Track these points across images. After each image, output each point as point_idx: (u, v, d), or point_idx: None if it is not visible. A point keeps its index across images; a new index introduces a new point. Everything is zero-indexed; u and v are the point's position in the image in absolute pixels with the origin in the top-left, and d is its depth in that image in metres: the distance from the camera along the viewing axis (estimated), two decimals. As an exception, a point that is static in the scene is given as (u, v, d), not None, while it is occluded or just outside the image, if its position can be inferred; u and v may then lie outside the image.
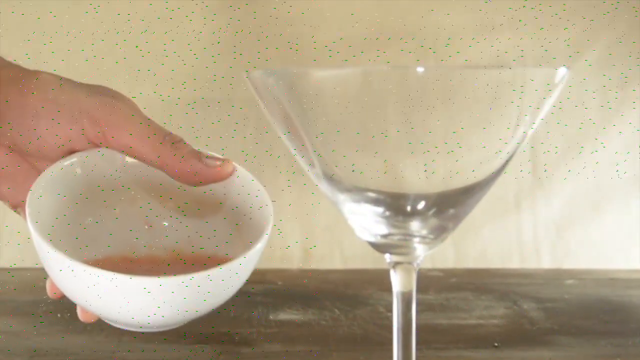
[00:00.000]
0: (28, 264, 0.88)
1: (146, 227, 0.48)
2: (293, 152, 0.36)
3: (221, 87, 0.92)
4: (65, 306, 0.69)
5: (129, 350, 0.59)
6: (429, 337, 0.61)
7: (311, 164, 0.36)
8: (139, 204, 0.48)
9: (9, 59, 0.47)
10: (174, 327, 0.43)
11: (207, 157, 0.43)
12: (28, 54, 0.90)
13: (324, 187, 0.36)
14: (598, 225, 0.93)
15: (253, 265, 0.42)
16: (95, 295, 0.39)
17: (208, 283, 0.40)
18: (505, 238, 0.93)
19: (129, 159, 0.44)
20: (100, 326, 0.63)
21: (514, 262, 0.93)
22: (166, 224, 0.48)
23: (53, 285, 0.45)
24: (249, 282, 0.82)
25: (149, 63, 0.91)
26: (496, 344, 0.61)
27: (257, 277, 0.86)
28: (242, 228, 0.46)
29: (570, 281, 0.84)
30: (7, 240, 0.90)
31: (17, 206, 0.46)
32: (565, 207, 0.94)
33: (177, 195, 0.47)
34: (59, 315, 0.67)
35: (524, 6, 0.93)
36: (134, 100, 0.46)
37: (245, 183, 0.45)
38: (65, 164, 0.44)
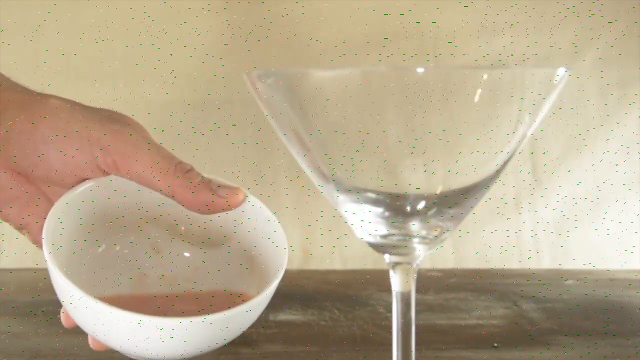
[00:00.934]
0: (27, 265, 0.88)
1: (156, 256, 0.48)
2: (293, 152, 0.36)
3: (221, 87, 0.92)
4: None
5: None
6: (428, 338, 0.61)
7: (311, 165, 0.36)
8: (148, 232, 0.48)
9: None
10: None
11: (218, 186, 0.43)
12: (28, 54, 0.91)
13: (324, 187, 0.36)
14: (598, 225, 0.93)
15: (269, 299, 0.42)
16: (114, 331, 0.40)
17: (227, 322, 0.40)
18: (505, 238, 0.93)
19: (139, 187, 0.44)
20: (100, 326, 0.64)
21: (513, 263, 0.93)
22: (176, 252, 0.48)
23: (69, 317, 0.44)
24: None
25: (149, 63, 0.91)
26: (496, 345, 0.61)
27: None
28: (253, 258, 0.46)
29: (570, 281, 0.84)
30: (7, 242, 0.90)
31: (23, 228, 0.45)
32: (565, 207, 0.94)
33: (187, 224, 0.47)
34: (58, 316, 0.66)
35: (524, 6, 0.93)
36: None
37: (259, 214, 0.45)
38: (77, 193, 0.44)
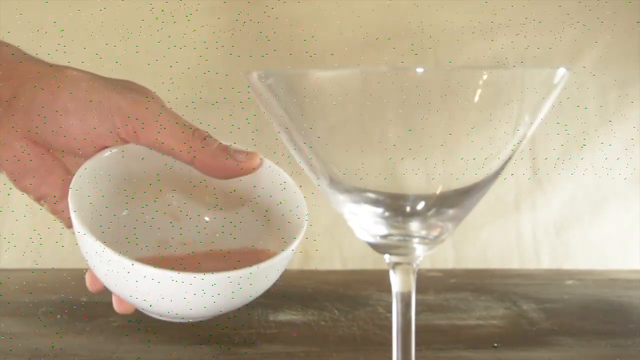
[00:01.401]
0: (27, 265, 0.88)
1: (176, 223, 0.49)
2: (293, 153, 0.36)
3: (221, 88, 0.92)
4: (65, 307, 0.69)
5: (129, 351, 0.59)
6: (428, 338, 0.61)
7: (311, 165, 0.36)
8: (168, 200, 0.49)
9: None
10: (211, 317, 0.44)
11: (235, 151, 0.44)
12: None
13: (324, 187, 0.36)
14: (598, 225, 0.93)
15: (292, 258, 0.43)
16: (144, 291, 0.40)
17: (256, 276, 0.41)
18: (505, 239, 0.93)
19: (158, 155, 0.45)
20: (100, 327, 0.64)
21: (513, 263, 0.93)
22: (196, 218, 0.49)
23: (93, 279, 0.46)
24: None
25: (149, 64, 0.91)
26: (496, 345, 0.61)
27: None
28: (272, 220, 0.47)
29: (570, 281, 0.84)
30: (7, 242, 0.90)
31: (41, 199, 0.46)
32: (564, 207, 0.94)
33: (206, 190, 0.48)
34: (58, 316, 0.67)
35: (524, 6, 0.93)
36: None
37: (274, 175, 0.46)
38: (99, 159, 0.45)
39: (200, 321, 0.44)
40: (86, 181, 0.44)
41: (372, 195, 0.35)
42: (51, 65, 0.46)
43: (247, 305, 0.43)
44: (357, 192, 0.35)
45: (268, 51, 0.92)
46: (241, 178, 0.44)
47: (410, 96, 0.33)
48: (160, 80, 0.93)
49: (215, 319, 0.68)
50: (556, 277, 0.87)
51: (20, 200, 0.91)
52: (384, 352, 0.39)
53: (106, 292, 0.44)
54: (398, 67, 0.32)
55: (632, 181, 0.93)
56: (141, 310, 0.44)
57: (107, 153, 0.45)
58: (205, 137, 0.44)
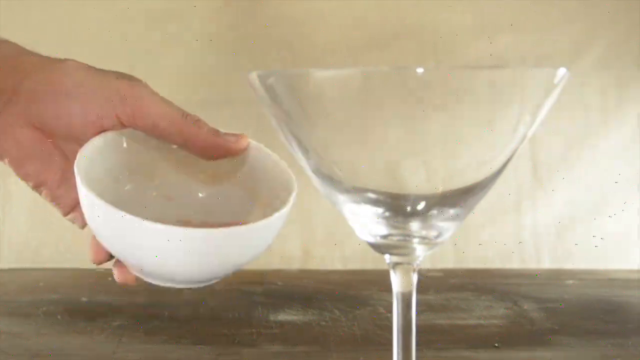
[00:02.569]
0: (27, 265, 0.88)
1: (169, 201, 0.51)
2: (293, 152, 0.36)
3: (221, 88, 0.92)
4: (65, 307, 0.69)
5: (129, 351, 0.59)
6: (429, 338, 0.61)
7: (311, 165, 0.36)
8: (162, 180, 0.51)
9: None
10: (210, 282, 0.46)
11: (224, 133, 0.47)
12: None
13: (324, 187, 0.36)
14: (598, 225, 0.93)
15: (281, 225, 0.45)
16: (150, 250, 0.42)
17: (252, 233, 0.43)
18: (506, 238, 0.93)
19: (153, 139, 0.47)
20: (101, 327, 0.64)
21: (514, 263, 0.93)
22: (189, 195, 0.51)
23: (97, 251, 0.47)
24: (249, 282, 0.82)
25: (149, 64, 0.91)
26: (496, 344, 0.61)
27: (257, 278, 0.86)
28: (261, 197, 0.49)
29: (570, 281, 0.84)
30: (7, 242, 0.90)
31: (40, 185, 0.48)
32: (565, 207, 0.94)
33: (197, 170, 0.50)
34: (59, 316, 0.67)
35: (524, 6, 0.93)
36: None
37: (263, 155, 0.49)
38: (103, 139, 0.47)
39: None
40: (88, 159, 0.45)
41: (372, 195, 0.35)
42: (49, 57, 0.48)
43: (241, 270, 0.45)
44: (357, 192, 0.35)
45: (268, 51, 0.92)
46: (231, 158, 0.47)
47: (411, 96, 0.33)
48: (161, 80, 0.93)
49: (215, 319, 0.68)
50: (556, 277, 0.87)
51: (20, 201, 0.91)
52: (385, 352, 0.39)
53: (109, 263, 0.46)
54: (398, 67, 0.32)
55: (632, 181, 0.93)
56: (143, 277, 0.46)
57: (108, 134, 0.47)
58: (196, 120, 0.46)
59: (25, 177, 0.48)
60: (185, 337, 0.62)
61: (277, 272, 0.86)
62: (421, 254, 0.37)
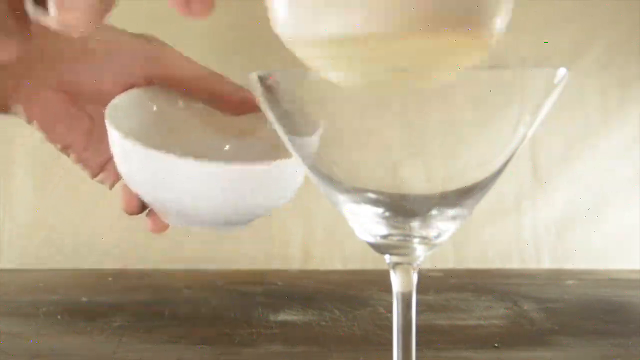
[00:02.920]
0: (27, 265, 0.88)
1: (194, 159, 0.51)
2: (293, 152, 0.36)
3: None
4: (65, 307, 0.69)
5: (129, 351, 0.59)
6: (429, 338, 0.61)
7: (311, 165, 0.36)
8: (185, 136, 0.51)
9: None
10: (243, 225, 0.48)
11: (248, 90, 0.47)
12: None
13: (324, 187, 0.36)
14: (598, 225, 0.93)
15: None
16: (189, 188, 0.43)
17: (288, 168, 0.45)
18: (506, 238, 0.93)
19: (177, 97, 0.49)
20: (101, 327, 0.64)
21: (514, 263, 0.93)
22: (213, 155, 0.51)
23: (130, 201, 0.48)
24: (249, 282, 0.82)
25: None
26: (496, 345, 0.61)
27: (257, 278, 0.86)
28: (287, 154, 0.50)
29: (570, 281, 0.84)
30: (7, 242, 0.90)
31: (67, 147, 0.48)
32: (565, 207, 0.94)
33: (222, 127, 0.51)
34: (59, 316, 0.67)
35: (524, 6, 0.93)
36: None
37: None
38: (131, 95, 0.47)
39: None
40: (117, 111, 0.46)
41: (372, 195, 0.35)
42: None
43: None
44: (357, 192, 0.35)
45: (268, 51, 0.92)
46: (256, 114, 0.47)
47: (411, 96, 0.33)
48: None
49: (215, 319, 0.68)
50: (556, 277, 0.87)
51: (21, 201, 0.91)
52: (385, 352, 0.38)
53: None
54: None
55: (633, 181, 0.93)
56: (178, 222, 0.47)
57: (133, 91, 0.47)
58: (222, 76, 0.48)
59: (53, 140, 0.48)
60: (185, 337, 0.62)
61: (277, 272, 0.86)
62: (421, 254, 0.37)
